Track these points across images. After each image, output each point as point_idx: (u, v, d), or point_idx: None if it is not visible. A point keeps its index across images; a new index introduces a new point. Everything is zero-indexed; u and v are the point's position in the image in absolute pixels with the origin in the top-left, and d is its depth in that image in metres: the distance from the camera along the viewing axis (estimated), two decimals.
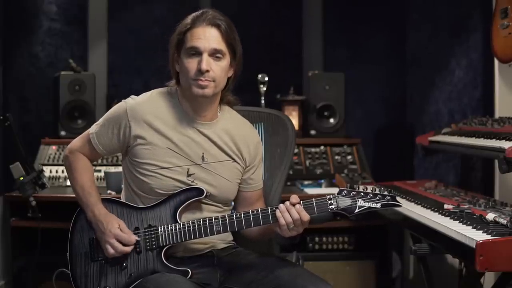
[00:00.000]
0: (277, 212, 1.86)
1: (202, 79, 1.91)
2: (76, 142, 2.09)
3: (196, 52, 1.92)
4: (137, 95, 2.04)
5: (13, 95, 3.62)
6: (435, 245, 2.15)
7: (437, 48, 3.52)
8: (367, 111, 4.02)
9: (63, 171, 3.29)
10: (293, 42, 4.14)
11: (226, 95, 2.07)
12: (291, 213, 1.84)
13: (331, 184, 3.38)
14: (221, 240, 2.05)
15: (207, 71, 1.91)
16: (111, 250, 1.92)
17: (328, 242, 3.28)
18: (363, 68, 3.98)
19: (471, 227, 1.96)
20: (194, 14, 1.98)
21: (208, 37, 1.93)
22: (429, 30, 3.65)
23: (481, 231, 1.90)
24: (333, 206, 1.86)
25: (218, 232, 1.92)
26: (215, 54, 1.93)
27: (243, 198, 2.11)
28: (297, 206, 1.85)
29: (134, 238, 1.93)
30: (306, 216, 1.85)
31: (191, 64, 1.92)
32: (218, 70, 1.94)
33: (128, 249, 1.92)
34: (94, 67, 3.95)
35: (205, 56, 1.91)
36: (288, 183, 3.35)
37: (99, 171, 3.27)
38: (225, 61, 1.96)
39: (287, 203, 1.86)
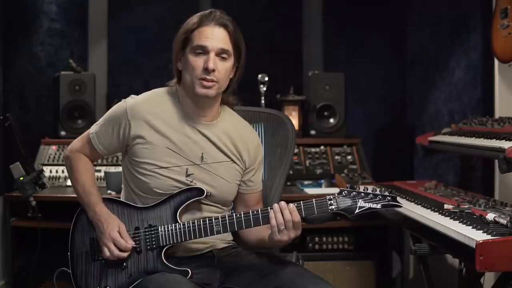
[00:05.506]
0: (270, 213, 1.86)
1: (207, 78, 1.91)
2: (77, 142, 2.09)
3: (203, 51, 1.92)
4: (137, 95, 2.04)
5: (13, 95, 3.62)
6: (435, 245, 2.15)
7: (437, 48, 3.52)
8: (367, 111, 4.02)
9: (63, 171, 3.30)
10: (293, 42, 4.14)
11: (227, 97, 2.08)
12: (283, 214, 1.84)
13: (331, 184, 3.38)
14: (221, 240, 2.05)
15: (213, 70, 1.91)
16: (107, 253, 1.93)
17: (328, 242, 3.28)
18: (363, 68, 3.98)
19: (471, 227, 1.96)
20: (201, 13, 1.98)
21: (216, 36, 1.93)
22: (429, 30, 3.65)
23: (481, 231, 1.90)
24: (333, 207, 1.86)
25: (218, 232, 1.92)
26: (221, 54, 1.93)
27: (243, 200, 2.11)
28: (291, 205, 1.85)
29: (131, 244, 1.93)
30: (297, 217, 1.85)
31: (197, 62, 1.92)
32: (223, 70, 1.94)
33: (124, 255, 1.92)
34: (94, 67, 3.95)
35: (212, 55, 1.92)
36: (288, 183, 3.35)
37: (99, 171, 3.27)
38: (230, 62, 1.96)
39: (282, 202, 1.86)
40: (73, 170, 2.07)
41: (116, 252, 1.91)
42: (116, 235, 1.92)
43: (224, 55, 1.94)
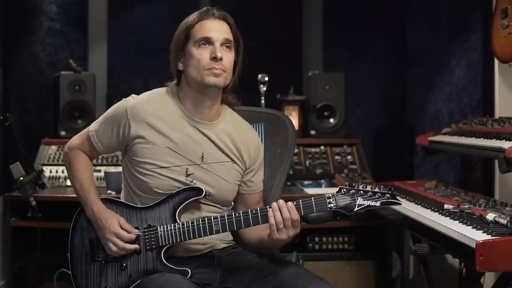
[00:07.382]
0: (269, 211, 1.86)
1: (216, 67, 1.92)
2: (76, 139, 2.09)
3: (208, 43, 1.94)
4: (137, 95, 2.04)
5: (13, 95, 3.62)
6: (435, 245, 2.15)
7: (437, 48, 3.52)
8: (367, 111, 4.03)
9: (63, 171, 3.30)
10: (293, 42, 4.14)
11: (227, 96, 2.08)
12: (282, 212, 1.84)
13: (331, 184, 3.38)
14: (221, 240, 2.05)
15: (221, 59, 1.92)
16: (113, 248, 1.91)
17: (328, 242, 3.28)
18: (363, 68, 3.98)
19: (471, 227, 1.96)
20: (198, 11, 2.00)
21: (218, 28, 1.95)
22: (429, 30, 3.65)
23: (481, 231, 1.90)
24: (332, 205, 1.86)
25: (218, 232, 1.92)
26: (225, 44, 1.95)
27: (243, 201, 2.11)
28: (289, 204, 1.85)
29: (134, 233, 1.92)
30: (296, 215, 1.85)
31: (203, 54, 1.93)
32: (228, 60, 1.96)
33: (131, 246, 1.91)
34: (94, 67, 3.95)
35: (217, 45, 1.93)
36: (288, 183, 3.35)
37: (99, 171, 3.27)
38: (233, 53, 1.98)
39: (280, 200, 1.86)
40: (72, 167, 2.07)
41: (121, 244, 1.90)
42: (117, 227, 1.91)
43: (228, 45, 1.96)
